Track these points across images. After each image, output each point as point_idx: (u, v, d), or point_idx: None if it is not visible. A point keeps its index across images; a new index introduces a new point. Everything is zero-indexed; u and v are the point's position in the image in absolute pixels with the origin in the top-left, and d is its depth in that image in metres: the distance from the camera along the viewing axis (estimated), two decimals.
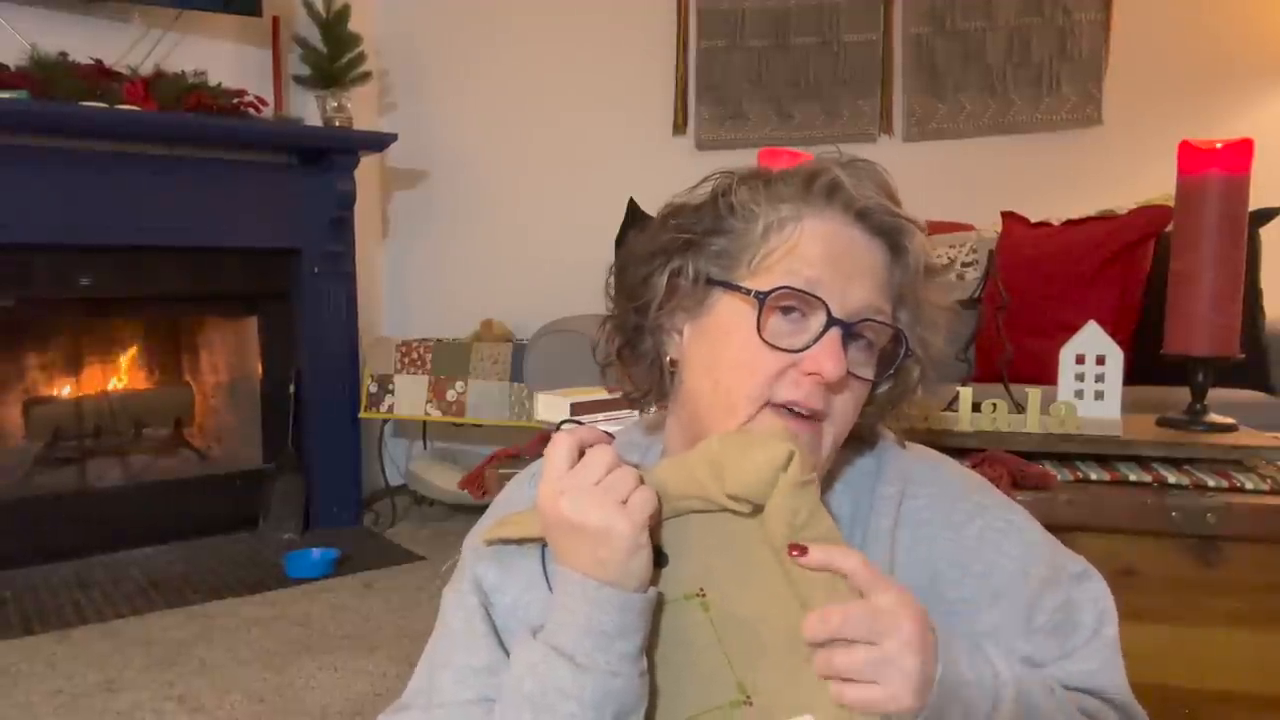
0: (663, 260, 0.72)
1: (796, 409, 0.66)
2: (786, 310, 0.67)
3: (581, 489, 0.61)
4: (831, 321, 0.66)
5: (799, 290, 0.67)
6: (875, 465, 0.74)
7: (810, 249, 0.68)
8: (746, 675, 0.62)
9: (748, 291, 0.68)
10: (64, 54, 2.58)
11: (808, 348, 0.66)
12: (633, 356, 0.76)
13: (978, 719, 0.60)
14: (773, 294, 0.67)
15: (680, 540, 0.65)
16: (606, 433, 0.66)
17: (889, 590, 0.58)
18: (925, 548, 0.70)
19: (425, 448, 3.48)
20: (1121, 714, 0.71)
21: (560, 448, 0.63)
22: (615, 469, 0.62)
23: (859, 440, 0.75)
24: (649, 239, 0.74)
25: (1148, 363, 1.50)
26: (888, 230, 0.70)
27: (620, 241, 2.73)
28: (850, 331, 0.67)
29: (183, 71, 2.75)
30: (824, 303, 0.66)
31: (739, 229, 0.70)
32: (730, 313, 0.69)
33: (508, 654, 0.70)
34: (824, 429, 0.68)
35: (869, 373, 0.70)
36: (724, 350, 0.69)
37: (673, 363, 0.73)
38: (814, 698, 0.59)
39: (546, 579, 0.69)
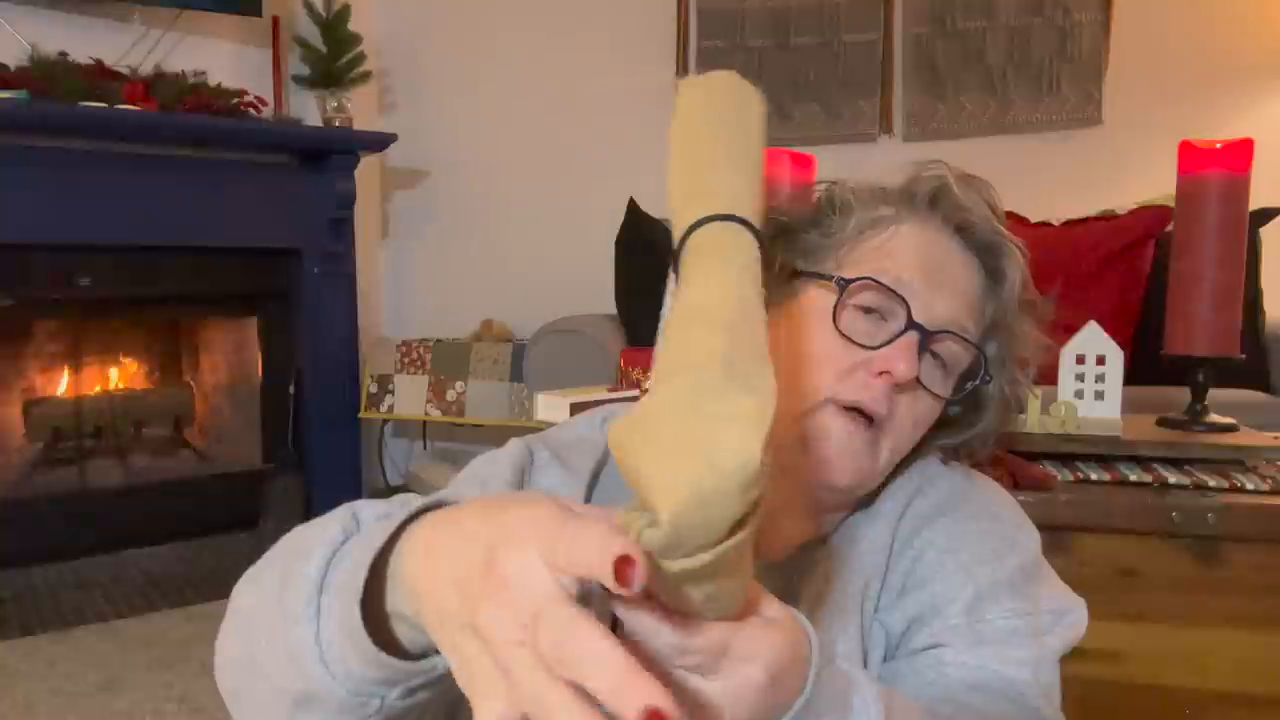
0: None
1: (861, 409, 0.63)
2: (867, 310, 0.66)
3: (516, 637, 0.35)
4: (911, 324, 0.64)
5: (883, 285, 0.65)
6: (902, 468, 0.71)
7: (903, 252, 0.66)
8: None
9: (829, 278, 0.66)
10: (64, 54, 2.58)
11: (882, 347, 0.64)
12: None
13: None
14: (855, 283, 0.65)
15: None
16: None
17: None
18: (922, 534, 0.69)
19: (425, 448, 3.48)
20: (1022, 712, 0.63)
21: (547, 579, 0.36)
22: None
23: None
24: None
25: (1148, 363, 1.50)
26: (987, 249, 0.68)
27: (621, 241, 2.73)
28: (928, 341, 0.64)
29: (183, 71, 2.75)
30: (906, 303, 0.64)
31: (834, 224, 0.69)
32: (810, 302, 0.68)
33: None
34: (882, 439, 0.65)
35: (942, 390, 0.67)
36: (797, 339, 0.67)
37: None
38: None
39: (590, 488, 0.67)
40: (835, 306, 0.65)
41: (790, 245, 0.70)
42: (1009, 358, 0.70)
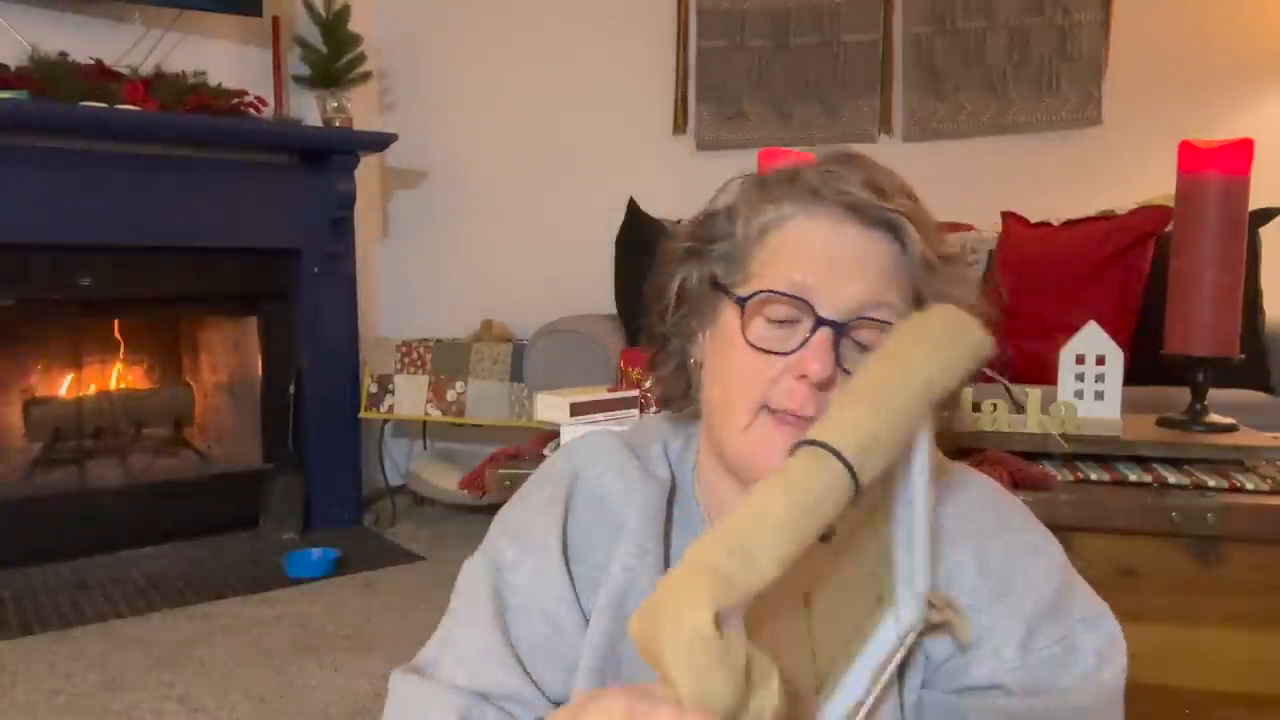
0: (673, 268, 0.73)
1: (791, 413, 0.65)
2: (779, 321, 0.67)
3: None
4: (819, 322, 0.65)
5: (781, 294, 0.66)
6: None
7: (802, 250, 0.67)
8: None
9: (733, 296, 0.69)
10: (64, 54, 2.58)
11: (797, 350, 0.65)
12: (662, 359, 0.76)
13: None
14: (753, 299, 0.67)
15: None
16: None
17: None
18: (949, 556, 0.68)
19: (425, 448, 3.48)
20: None
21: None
22: None
23: None
24: (669, 247, 0.75)
25: (1148, 363, 1.50)
26: (883, 222, 0.68)
27: (621, 241, 2.73)
28: (843, 332, 0.65)
29: (183, 71, 2.75)
30: (809, 305, 0.65)
31: (738, 234, 0.70)
32: (730, 321, 0.69)
33: (508, 637, 0.69)
34: None
35: None
36: (727, 359, 0.69)
37: (698, 365, 0.74)
38: None
39: (568, 568, 0.70)
40: (742, 323, 0.67)
41: (705, 260, 0.72)
42: None
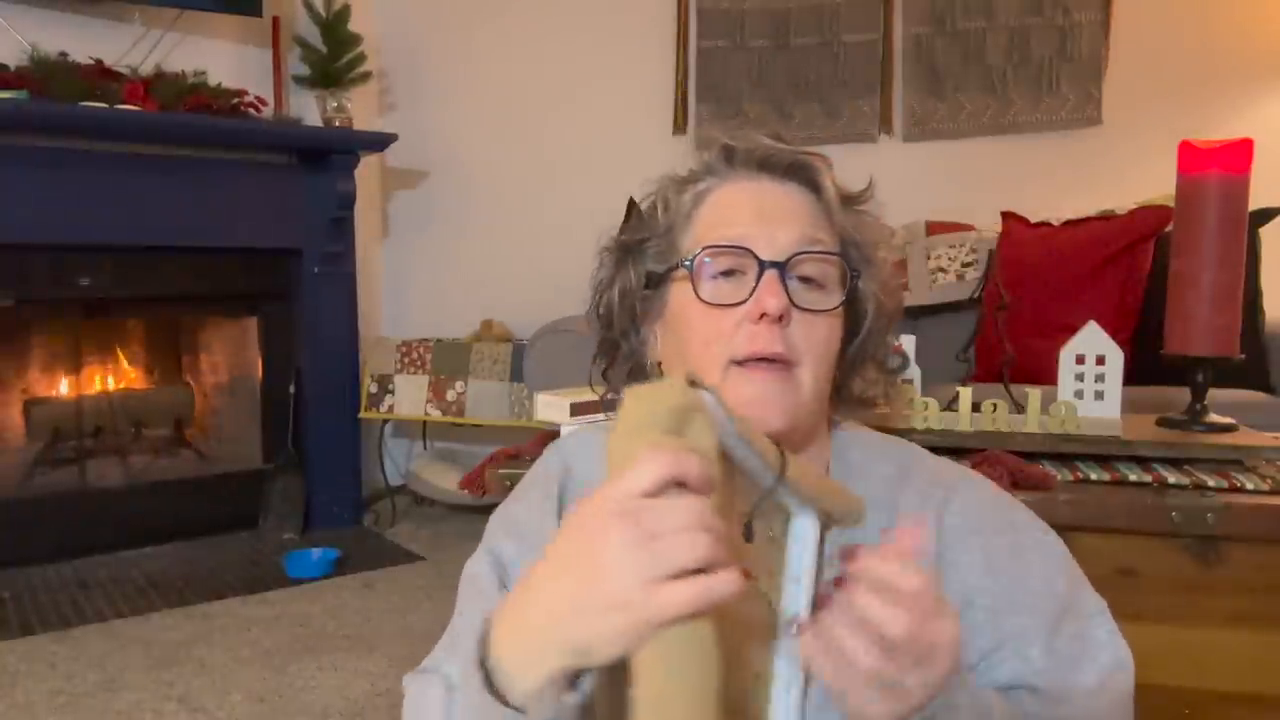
0: (609, 279, 0.77)
1: (758, 356, 0.67)
2: (726, 274, 0.70)
3: (636, 532, 0.45)
4: (763, 265, 0.68)
5: (720, 246, 0.69)
6: (896, 469, 0.74)
7: (729, 211, 0.72)
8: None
9: (680, 265, 0.72)
10: (64, 54, 2.58)
11: (750, 296, 0.68)
12: (616, 366, 0.79)
13: None
14: (697, 256, 0.70)
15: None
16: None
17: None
18: (957, 554, 0.69)
19: (425, 448, 3.48)
20: None
21: (650, 469, 0.45)
22: (692, 532, 0.44)
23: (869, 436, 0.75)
24: (602, 255, 0.79)
25: (1148, 363, 1.50)
26: (798, 171, 0.73)
27: None
28: (786, 270, 0.68)
29: (183, 71, 2.75)
30: (749, 250, 0.69)
31: (668, 223, 0.74)
32: (679, 297, 0.72)
33: None
34: (797, 372, 0.68)
35: (827, 303, 0.70)
36: (685, 332, 0.71)
37: (658, 365, 0.76)
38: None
39: None
40: (693, 284, 0.70)
41: (640, 259, 0.75)
42: (864, 252, 0.74)
